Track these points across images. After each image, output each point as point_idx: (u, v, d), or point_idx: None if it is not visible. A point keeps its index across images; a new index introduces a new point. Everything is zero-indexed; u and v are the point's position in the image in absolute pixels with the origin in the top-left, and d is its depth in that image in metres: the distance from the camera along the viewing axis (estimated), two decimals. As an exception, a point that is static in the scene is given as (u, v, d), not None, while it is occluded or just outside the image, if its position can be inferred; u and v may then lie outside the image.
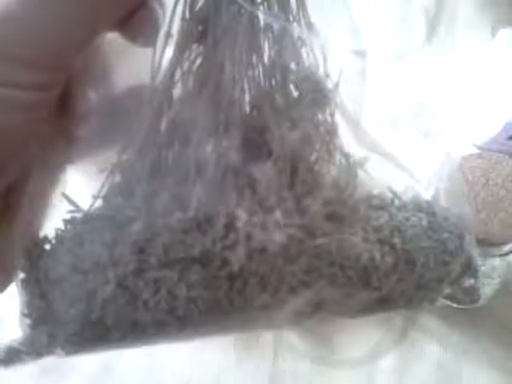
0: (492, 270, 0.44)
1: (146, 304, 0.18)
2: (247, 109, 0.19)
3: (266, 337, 0.38)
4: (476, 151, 0.48)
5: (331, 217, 0.18)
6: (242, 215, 0.18)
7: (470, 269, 0.20)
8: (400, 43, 0.47)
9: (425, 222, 0.20)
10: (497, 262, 0.44)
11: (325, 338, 0.41)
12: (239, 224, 0.18)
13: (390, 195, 0.21)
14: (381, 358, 0.42)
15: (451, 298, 0.20)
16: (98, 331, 0.18)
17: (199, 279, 0.18)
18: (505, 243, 0.42)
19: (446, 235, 0.20)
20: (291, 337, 0.36)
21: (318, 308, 0.19)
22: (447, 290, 0.20)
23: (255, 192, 0.18)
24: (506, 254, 0.42)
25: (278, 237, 0.18)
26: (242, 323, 0.19)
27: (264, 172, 0.18)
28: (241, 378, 0.42)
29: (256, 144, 0.19)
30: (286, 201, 0.18)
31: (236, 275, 0.18)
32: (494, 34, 0.45)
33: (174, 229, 0.18)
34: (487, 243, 0.42)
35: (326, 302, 0.19)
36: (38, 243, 0.20)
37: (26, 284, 0.19)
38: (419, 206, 0.21)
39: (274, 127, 0.18)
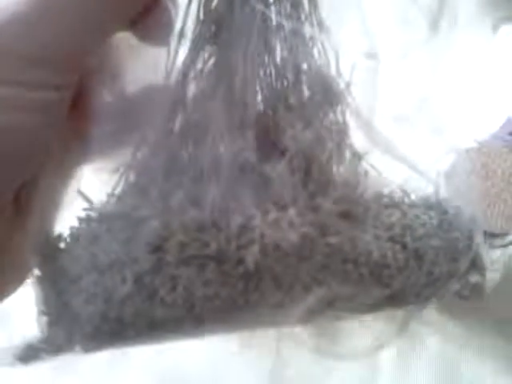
0: (493, 261, 0.45)
1: (162, 301, 0.18)
2: (261, 108, 0.19)
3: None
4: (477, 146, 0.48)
5: (344, 215, 0.19)
6: (256, 214, 0.18)
7: (476, 266, 0.21)
8: (403, 40, 0.48)
9: (435, 221, 0.20)
10: (497, 253, 0.44)
11: (327, 328, 0.42)
12: (254, 222, 0.18)
13: (400, 194, 0.21)
14: (382, 350, 0.43)
15: (458, 294, 0.21)
16: (115, 329, 0.19)
17: (215, 277, 0.18)
18: (505, 235, 0.42)
19: (455, 234, 0.20)
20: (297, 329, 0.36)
21: (330, 305, 0.19)
22: (455, 287, 0.21)
23: (269, 190, 0.19)
24: (507, 245, 0.43)
25: (292, 235, 0.18)
26: (257, 321, 0.19)
27: (278, 171, 0.18)
28: (242, 366, 0.42)
29: (270, 143, 0.19)
30: (300, 199, 0.18)
31: (251, 273, 0.18)
32: (495, 30, 0.45)
33: (189, 227, 0.18)
34: (487, 235, 0.42)
35: (339, 299, 0.19)
36: (52, 241, 0.20)
37: (41, 282, 0.20)
38: (430, 205, 0.21)
39: (287, 127, 0.19)
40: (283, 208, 0.18)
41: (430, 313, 0.44)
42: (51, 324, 0.19)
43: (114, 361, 0.43)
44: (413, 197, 0.22)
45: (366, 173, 0.20)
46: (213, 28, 0.19)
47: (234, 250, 0.18)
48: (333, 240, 0.18)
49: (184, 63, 0.19)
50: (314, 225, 0.18)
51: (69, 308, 0.19)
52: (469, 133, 0.49)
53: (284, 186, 0.18)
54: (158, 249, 0.18)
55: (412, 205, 0.21)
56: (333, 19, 0.20)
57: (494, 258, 0.45)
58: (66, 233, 0.20)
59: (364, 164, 0.20)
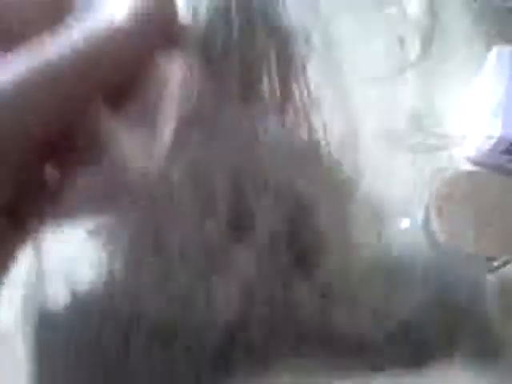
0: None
1: None
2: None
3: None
4: (469, 166, 0.49)
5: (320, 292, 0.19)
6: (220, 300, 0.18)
7: (483, 330, 0.20)
8: (396, 59, 0.48)
9: (430, 286, 0.20)
10: (489, 276, 0.44)
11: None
12: (217, 304, 0.18)
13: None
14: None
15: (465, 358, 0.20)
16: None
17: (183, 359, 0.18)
18: (494, 259, 0.43)
19: (454, 297, 0.20)
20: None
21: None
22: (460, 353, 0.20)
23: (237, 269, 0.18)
24: (497, 268, 0.43)
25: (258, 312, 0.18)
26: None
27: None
28: None
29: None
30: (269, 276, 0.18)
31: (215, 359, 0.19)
32: (488, 50, 0.45)
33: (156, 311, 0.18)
34: (477, 259, 0.43)
35: (318, 375, 0.19)
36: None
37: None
38: (421, 265, 0.20)
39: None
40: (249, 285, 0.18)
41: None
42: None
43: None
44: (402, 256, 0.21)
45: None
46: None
47: (198, 329, 0.18)
48: (303, 318, 0.18)
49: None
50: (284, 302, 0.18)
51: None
52: (460, 152, 0.49)
53: (249, 263, 0.18)
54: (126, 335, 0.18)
55: (400, 271, 0.21)
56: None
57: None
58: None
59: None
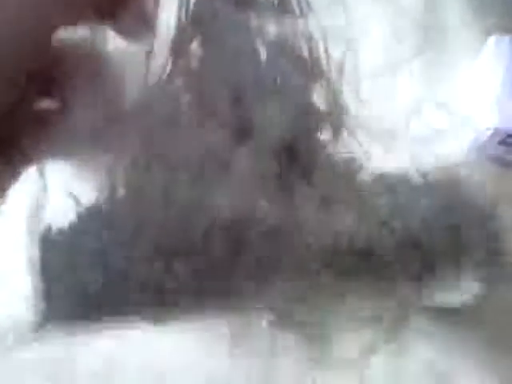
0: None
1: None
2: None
3: (260, 335, 0.38)
4: (467, 157, 0.48)
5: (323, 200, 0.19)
6: (223, 206, 0.18)
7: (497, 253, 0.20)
8: (393, 52, 0.48)
9: (436, 204, 0.20)
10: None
11: (320, 336, 0.41)
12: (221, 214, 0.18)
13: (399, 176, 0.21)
14: (370, 358, 0.42)
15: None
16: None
17: (184, 269, 0.18)
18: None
19: (463, 217, 0.19)
20: (286, 336, 0.36)
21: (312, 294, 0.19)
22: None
23: (238, 179, 0.18)
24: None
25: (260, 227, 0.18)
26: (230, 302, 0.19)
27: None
28: (234, 376, 0.41)
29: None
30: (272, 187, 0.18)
31: (220, 264, 0.18)
32: (486, 40, 0.46)
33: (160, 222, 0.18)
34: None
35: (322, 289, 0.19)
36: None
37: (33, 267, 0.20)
38: (435, 186, 0.20)
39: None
40: (253, 198, 0.18)
41: (421, 321, 0.44)
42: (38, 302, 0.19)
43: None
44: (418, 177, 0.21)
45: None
46: (194, 29, 0.19)
47: (201, 241, 0.18)
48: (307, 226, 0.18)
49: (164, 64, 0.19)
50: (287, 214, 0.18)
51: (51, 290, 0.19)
52: (459, 143, 0.49)
53: (252, 174, 0.18)
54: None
55: (413, 185, 0.20)
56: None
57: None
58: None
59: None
